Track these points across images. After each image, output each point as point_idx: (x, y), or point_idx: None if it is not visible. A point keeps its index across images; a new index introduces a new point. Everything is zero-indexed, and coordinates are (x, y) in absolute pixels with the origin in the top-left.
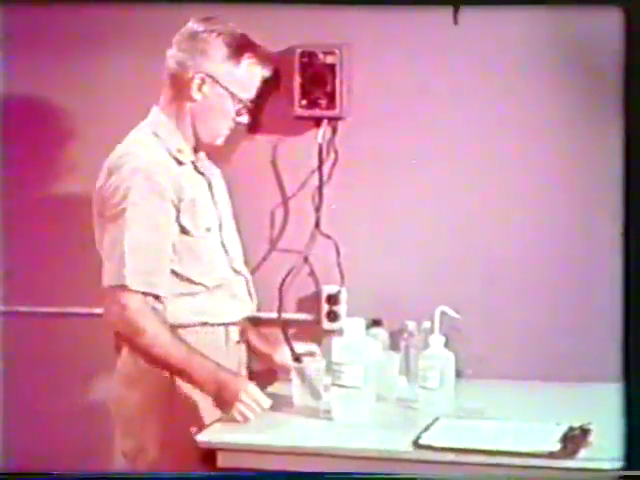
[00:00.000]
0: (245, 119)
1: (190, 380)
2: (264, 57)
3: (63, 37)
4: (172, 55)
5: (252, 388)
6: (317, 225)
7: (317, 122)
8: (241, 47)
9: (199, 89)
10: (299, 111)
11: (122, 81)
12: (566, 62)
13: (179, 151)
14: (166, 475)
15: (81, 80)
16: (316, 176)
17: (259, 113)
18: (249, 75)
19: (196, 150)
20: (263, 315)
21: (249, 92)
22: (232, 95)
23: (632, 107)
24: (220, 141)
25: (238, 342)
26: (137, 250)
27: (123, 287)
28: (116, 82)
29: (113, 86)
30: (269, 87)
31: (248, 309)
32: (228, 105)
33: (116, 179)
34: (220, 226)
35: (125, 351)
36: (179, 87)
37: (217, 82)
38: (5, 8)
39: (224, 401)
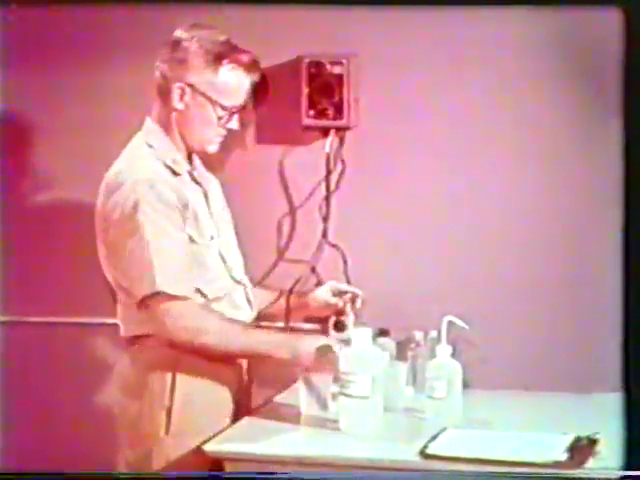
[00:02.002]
0: (235, 125)
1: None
2: (247, 62)
3: (59, 43)
4: (156, 66)
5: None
6: (324, 235)
7: (325, 132)
8: (220, 54)
9: (181, 99)
10: (307, 121)
11: (121, 88)
12: (566, 62)
13: (174, 162)
14: (166, 475)
15: (79, 87)
16: (323, 186)
17: (252, 118)
18: (232, 81)
19: (190, 158)
20: (271, 324)
21: (233, 99)
22: (213, 103)
23: (632, 107)
24: (212, 149)
25: None
26: (163, 256)
27: (165, 294)
28: (114, 90)
29: (111, 93)
30: (260, 92)
31: (248, 316)
32: (211, 113)
33: (120, 196)
34: (217, 235)
35: (126, 360)
36: (164, 97)
37: (197, 91)
38: (3, 9)
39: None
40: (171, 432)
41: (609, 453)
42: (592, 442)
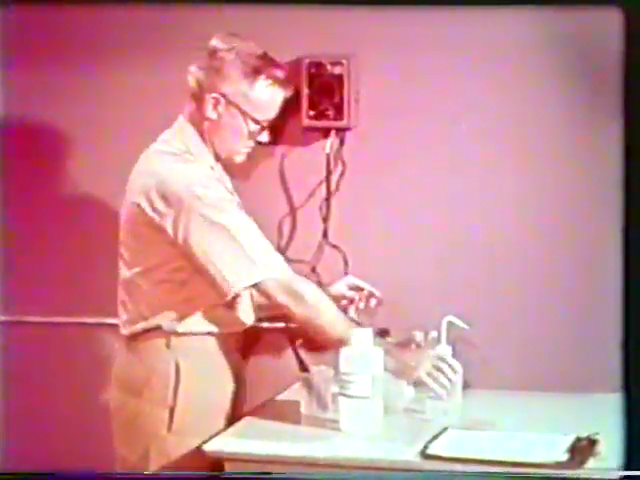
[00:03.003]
0: (266, 138)
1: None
2: (283, 78)
3: (68, 42)
4: (192, 72)
5: None
6: (325, 235)
7: (325, 133)
8: (258, 68)
9: (214, 108)
10: (307, 122)
11: (130, 86)
12: (566, 62)
13: (212, 168)
14: (166, 475)
15: (88, 84)
16: (324, 187)
17: (281, 131)
18: (266, 96)
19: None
20: (271, 325)
21: (266, 113)
22: (246, 116)
23: (632, 107)
24: (239, 159)
25: (239, 346)
26: (255, 245)
27: (275, 278)
28: (124, 87)
29: (121, 91)
30: (291, 106)
31: (251, 319)
32: (243, 125)
33: (180, 202)
34: None
35: (125, 358)
36: (198, 105)
37: (231, 102)
38: (7, 10)
39: None
40: (173, 430)
41: (609, 453)
42: (592, 442)
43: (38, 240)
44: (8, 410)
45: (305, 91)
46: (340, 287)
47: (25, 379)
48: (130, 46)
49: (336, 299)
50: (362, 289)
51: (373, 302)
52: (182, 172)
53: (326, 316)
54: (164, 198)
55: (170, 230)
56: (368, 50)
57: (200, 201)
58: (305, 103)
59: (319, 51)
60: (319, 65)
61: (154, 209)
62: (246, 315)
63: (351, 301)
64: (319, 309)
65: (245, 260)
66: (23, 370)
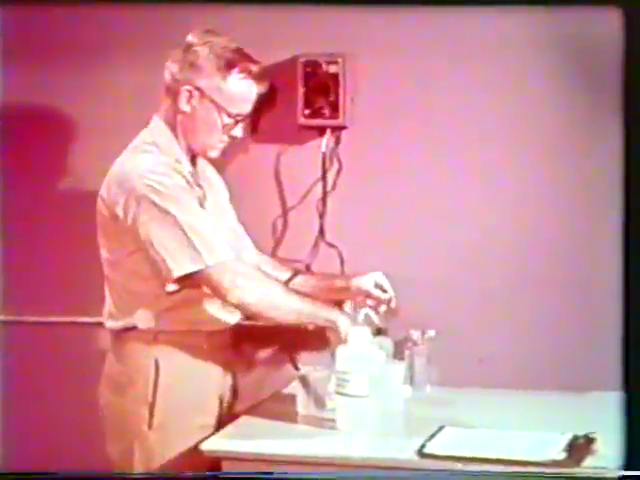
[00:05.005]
0: (239, 133)
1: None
2: (257, 72)
3: (63, 40)
4: (167, 66)
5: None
6: (321, 234)
7: (321, 131)
8: (232, 61)
9: (188, 101)
10: (302, 120)
11: (123, 84)
12: (566, 62)
13: (177, 161)
14: (166, 475)
15: (81, 82)
16: (320, 185)
17: (256, 127)
18: (240, 89)
19: (194, 160)
20: (265, 324)
21: (240, 107)
22: (219, 109)
23: (632, 107)
24: (214, 154)
25: (224, 345)
26: (201, 231)
27: (217, 265)
28: (117, 85)
29: (114, 88)
30: (266, 102)
31: (236, 318)
32: (217, 119)
33: (131, 188)
34: None
35: (111, 357)
36: (173, 98)
37: (204, 95)
38: (6, 10)
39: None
40: (154, 427)
41: (608, 452)
42: (589, 441)
43: (37, 240)
44: (8, 410)
45: (301, 90)
46: (367, 282)
47: (24, 379)
48: (129, 43)
49: (358, 292)
50: (385, 291)
51: (383, 308)
52: (139, 160)
53: (276, 300)
54: (119, 185)
55: (121, 215)
56: (364, 49)
57: (151, 188)
58: (301, 101)
59: (315, 50)
60: (315, 64)
61: (111, 198)
62: (228, 313)
63: (377, 301)
64: (267, 293)
65: (189, 248)
66: (22, 370)
